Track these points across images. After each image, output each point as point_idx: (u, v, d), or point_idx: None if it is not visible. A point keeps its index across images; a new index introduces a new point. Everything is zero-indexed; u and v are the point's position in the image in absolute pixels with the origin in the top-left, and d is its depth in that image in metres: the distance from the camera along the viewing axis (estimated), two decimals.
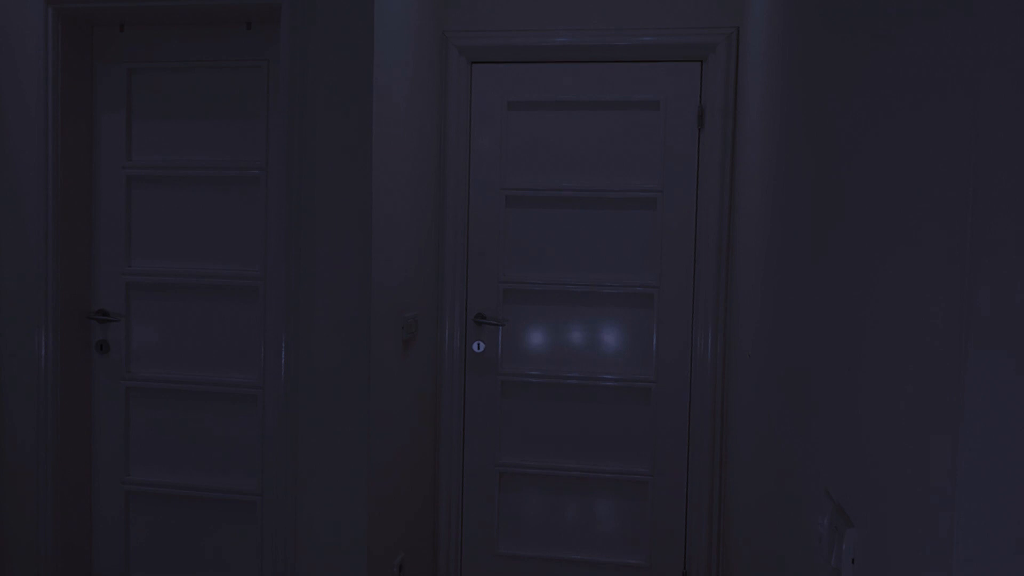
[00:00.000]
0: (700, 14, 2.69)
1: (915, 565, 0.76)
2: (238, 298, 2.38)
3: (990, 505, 0.65)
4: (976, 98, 0.66)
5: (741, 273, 2.42)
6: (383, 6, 2.14)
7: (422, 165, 2.63)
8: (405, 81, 2.39)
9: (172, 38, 2.38)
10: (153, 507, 2.44)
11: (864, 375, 0.95)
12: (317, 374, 2.13)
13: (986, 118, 0.65)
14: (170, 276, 2.41)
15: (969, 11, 0.67)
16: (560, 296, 2.86)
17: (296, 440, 2.14)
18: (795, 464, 1.39)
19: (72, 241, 2.35)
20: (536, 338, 2.89)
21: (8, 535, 2.30)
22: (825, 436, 1.16)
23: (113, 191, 2.42)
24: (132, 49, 2.39)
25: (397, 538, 2.44)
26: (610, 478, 2.85)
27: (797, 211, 1.47)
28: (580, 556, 2.87)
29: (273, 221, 2.31)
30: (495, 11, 2.79)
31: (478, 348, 2.89)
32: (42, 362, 2.26)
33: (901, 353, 0.82)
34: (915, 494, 0.76)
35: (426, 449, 2.80)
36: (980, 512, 0.66)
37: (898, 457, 0.82)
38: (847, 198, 1.07)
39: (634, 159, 2.80)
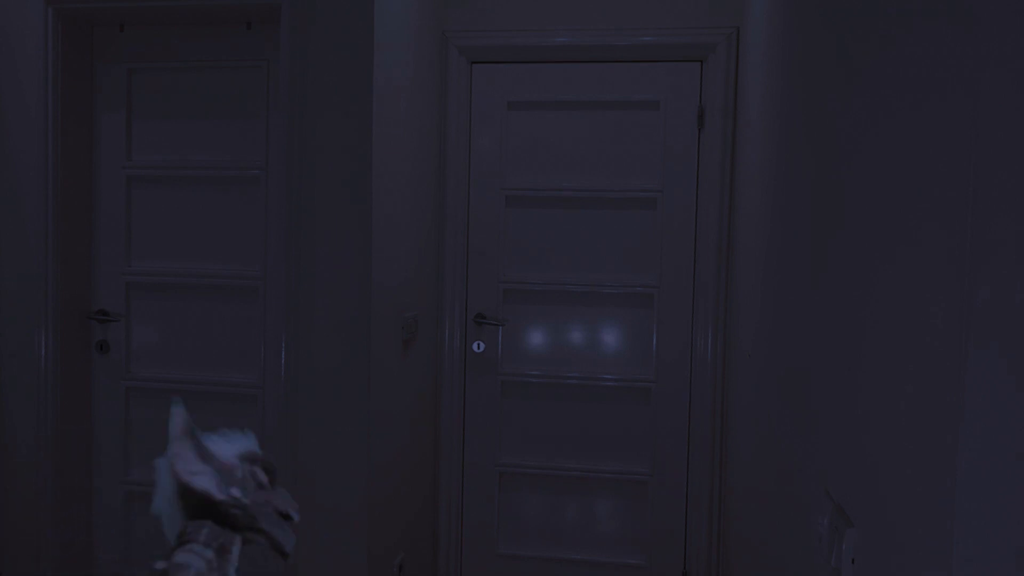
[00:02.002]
0: (700, 14, 2.69)
1: (915, 565, 0.76)
2: (238, 298, 2.38)
3: (990, 505, 0.65)
4: (976, 98, 0.66)
5: (741, 273, 2.42)
6: (383, 6, 2.14)
7: (422, 165, 2.63)
8: (405, 81, 2.39)
9: (172, 38, 2.38)
10: None
11: (864, 375, 0.95)
12: (317, 374, 2.13)
13: (986, 118, 0.65)
14: (170, 276, 2.41)
15: (969, 11, 0.67)
16: (560, 296, 2.86)
17: (296, 440, 2.14)
18: (795, 464, 1.39)
19: (72, 241, 2.35)
20: (536, 338, 2.89)
21: (9, 534, 2.30)
22: (825, 436, 1.16)
23: (113, 191, 2.42)
24: (132, 49, 2.39)
25: (397, 538, 2.44)
26: (610, 478, 2.84)
27: (797, 211, 1.47)
28: (580, 556, 2.87)
29: (273, 221, 2.31)
30: (495, 11, 2.79)
31: (478, 348, 2.89)
32: (42, 362, 2.26)
33: (901, 353, 0.82)
34: (915, 494, 0.76)
35: (426, 449, 2.80)
36: (980, 512, 0.66)
37: (898, 457, 0.82)
38: (847, 198, 1.07)
39: (634, 159, 2.79)
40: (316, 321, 2.12)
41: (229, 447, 0.80)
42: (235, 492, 0.75)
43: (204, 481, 0.74)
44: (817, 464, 1.20)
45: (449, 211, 2.85)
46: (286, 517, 0.80)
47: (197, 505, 0.75)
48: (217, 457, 0.77)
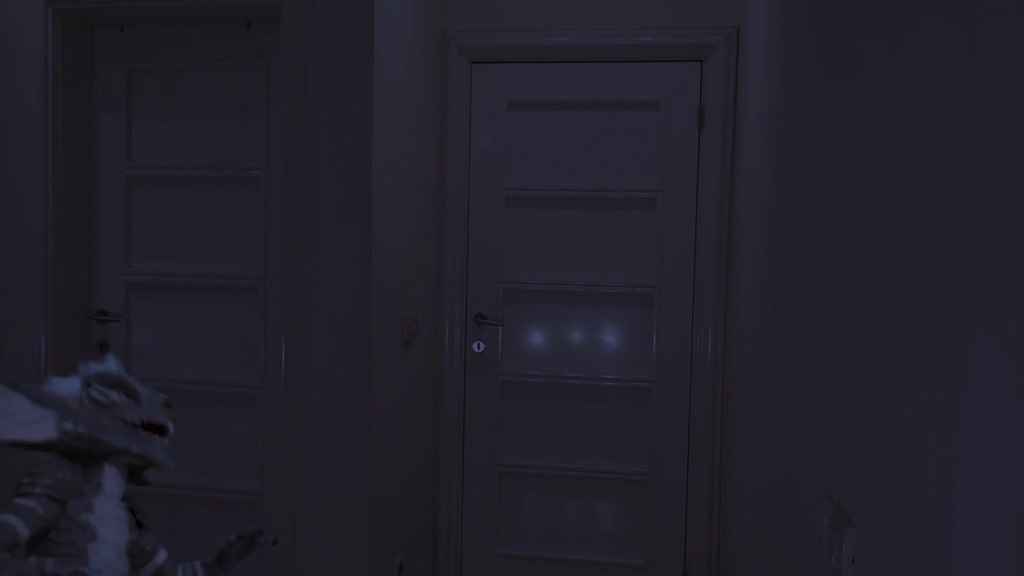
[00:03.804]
0: (700, 14, 2.69)
1: (915, 565, 0.76)
2: (238, 298, 2.38)
3: (990, 505, 0.65)
4: (976, 96, 0.66)
5: (741, 273, 2.42)
6: (383, 6, 2.14)
7: (422, 165, 2.63)
8: (405, 81, 2.39)
9: (172, 38, 2.37)
10: (153, 507, 2.44)
11: (864, 374, 0.95)
12: (317, 374, 2.13)
13: (986, 115, 0.65)
14: (170, 276, 2.41)
15: (970, 11, 0.67)
16: (560, 296, 2.86)
17: (296, 440, 2.14)
18: (795, 464, 1.39)
19: (72, 241, 2.35)
20: (536, 338, 2.89)
21: None
22: (825, 436, 1.16)
23: (113, 191, 2.42)
24: (132, 49, 2.39)
25: (397, 537, 2.44)
26: (610, 478, 2.84)
27: (796, 211, 1.47)
28: (580, 556, 2.86)
29: (273, 221, 2.31)
30: (495, 11, 2.79)
31: (478, 348, 2.89)
32: (42, 362, 2.26)
33: (901, 353, 0.82)
34: (915, 494, 0.76)
35: (426, 449, 2.80)
36: (980, 512, 0.66)
37: (898, 457, 0.82)
38: (846, 198, 1.07)
39: (634, 159, 2.79)
40: (316, 321, 2.12)
41: (70, 381, 0.75)
42: (68, 426, 0.71)
43: (26, 431, 0.70)
44: (817, 464, 1.20)
45: (449, 211, 2.85)
46: (158, 428, 0.76)
47: (42, 450, 0.71)
48: (53, 394, 0.73)
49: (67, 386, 0.75)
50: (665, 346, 2.81)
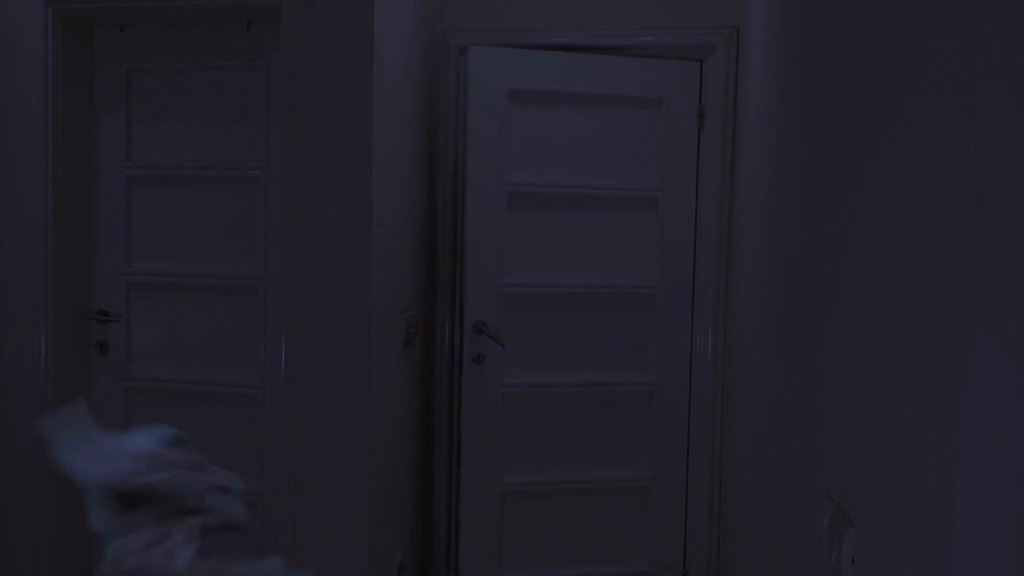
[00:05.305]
0: (700, 14, 2.69)
1: (915, 565, 0.76)
2: (238, 298, 2.38)
3: (990, 505, 0.65)
4: (976, 96, 0.66)
5: (741, 273, 2.42)
6: (383, 6, 2.14)
7: (421, 164, 2.63)
8: (405, 80, 2.40)
9: (172, 38, 2.37)
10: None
11: (864, 374, 0.95)
12: (317, 374, 2.13)
13: (986, 115, 0.65)
14: (170, 276, 2.41)
15: (970, 11, 0.67)
16: (560, 297, 2.85)
17: (296, 440, 2.14)
18: (795, 464, 1.39)
19: (72, 241, 2.35)
20: (535, 339, 2.88)
21: (9, 534, 2.30)
22: (825, 436, 1.16)
23: (113, 191, 2.42)
24: (132, 49, 2.39)
25: (397, 538, 2.44)
26: (610, 479, 2.83)
27: (796, 211, 1.47)
28: (580, 556, 2.85)
29: (273, 221, 2.31)
30: (495, 11, 2.79)
31: (477, 345, 2.88)
32: (42, 362, 2.26)
33: (901, 353, 0.82)
34: (915, 494, 0.76)
35: (425, 449, 2.80)
36: (980, 512, 0.66)
37: (898, 457, 0.82)
38: (846, 198, 1.07)
39: (634, 159, 2.79)
40: (316, 321, 2.12)
41: (139, 439, 0.78)
42: (161, 475, 0.72)
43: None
44: (817, 464, 1.20)
45: (448, 212, 2.84)
46: (226, 491, 0.79)
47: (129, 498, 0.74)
48: (130, 447, 0.75)
49: (136, 443, 0.78)
50: (665, 347, 2.80)
